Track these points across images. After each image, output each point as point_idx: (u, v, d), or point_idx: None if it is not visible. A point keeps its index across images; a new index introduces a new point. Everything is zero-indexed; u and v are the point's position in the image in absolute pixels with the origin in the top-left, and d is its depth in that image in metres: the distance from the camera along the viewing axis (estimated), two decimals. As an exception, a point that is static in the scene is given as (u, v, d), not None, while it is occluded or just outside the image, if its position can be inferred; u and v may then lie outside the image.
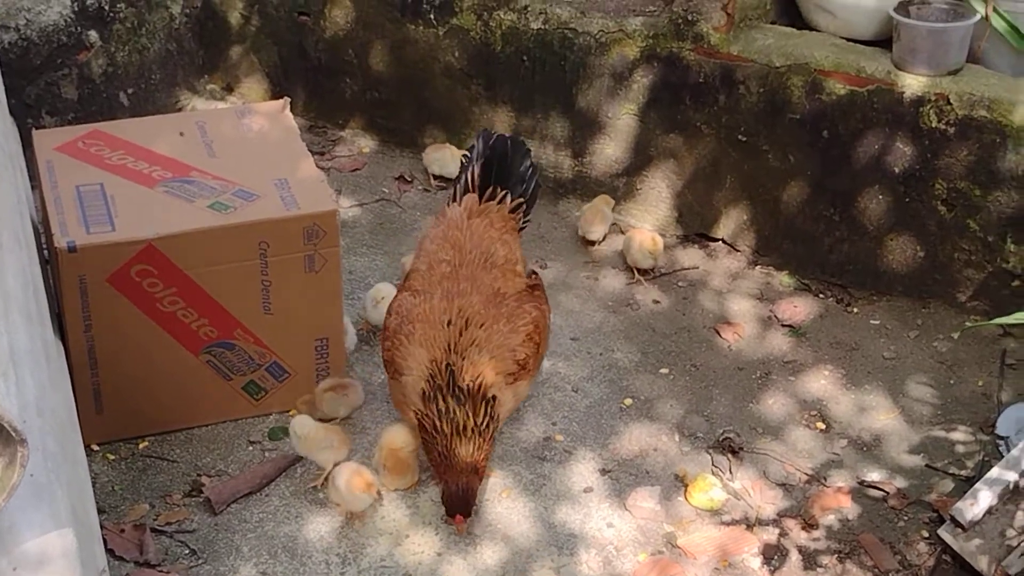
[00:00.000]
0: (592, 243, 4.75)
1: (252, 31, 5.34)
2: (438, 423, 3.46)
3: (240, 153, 4.00)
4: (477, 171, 3.77)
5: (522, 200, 3.82)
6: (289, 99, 4.29)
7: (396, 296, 3.73)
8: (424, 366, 3.50)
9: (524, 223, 3.88)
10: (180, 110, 5.29)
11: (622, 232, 4.83)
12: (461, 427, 3.45)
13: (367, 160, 5.18)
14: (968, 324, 4.28)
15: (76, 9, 4.86)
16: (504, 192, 3.75)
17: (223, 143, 4.03)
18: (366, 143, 5.25)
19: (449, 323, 3.53)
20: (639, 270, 4.58)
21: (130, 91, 5.14)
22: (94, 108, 4.96)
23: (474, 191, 3.78)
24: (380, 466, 3.70)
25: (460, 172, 3.90)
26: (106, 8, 4.98)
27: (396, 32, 5.05)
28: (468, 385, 3.46)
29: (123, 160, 3.93)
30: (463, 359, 3.49)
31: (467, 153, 3.90)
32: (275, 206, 3.76)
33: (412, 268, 3.75)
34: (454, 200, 3.82)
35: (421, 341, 3.52)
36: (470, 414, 3.45)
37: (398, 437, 3.69)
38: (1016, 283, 4.31)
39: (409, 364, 3.53)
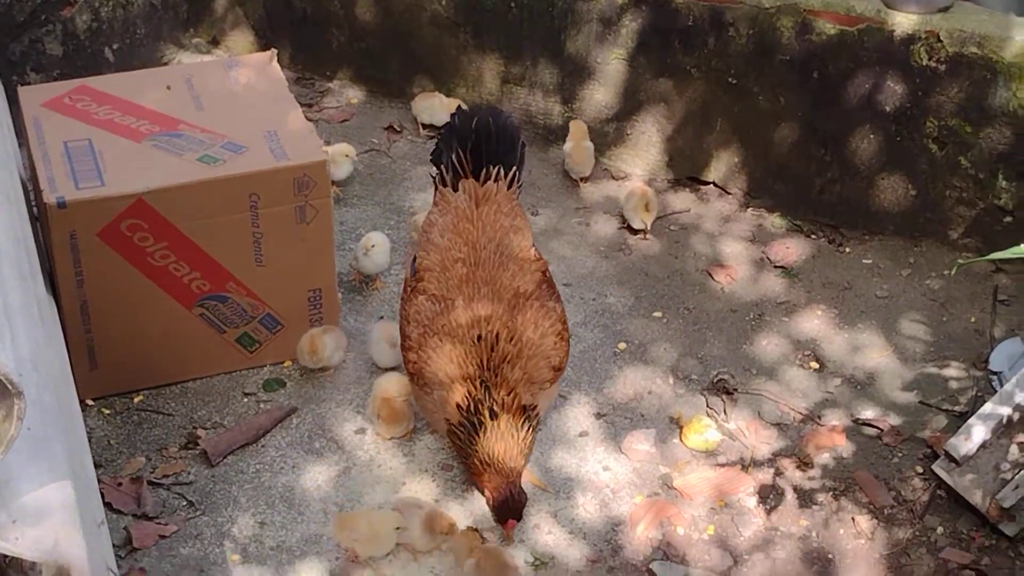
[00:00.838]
0: (585, 179, 4.75)
1: (237, -17, 5.30)
2: (475, 436, 3.36)
3: (228, 106, 3.97)
4: (468, 156, 3.63)
5: (516, 168, 3.71)
6: (276, 51, 4.27)
7: (412, 299, 3.55)
8: (458, 383, 3.38)
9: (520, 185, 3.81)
10: (166, 64, 5.26)
11: (613, 178, 4.82)
12: (501, 435, 3.35)
13: (355, 111, 5.16)
14: (961, 261, 4.29)
15: (59, -36, 4.82)
16: (498, 168, 3.65)
17: (210, 96, 4.01)
18: (354, 94, 5.22)
19: (479, 338, 3.39)
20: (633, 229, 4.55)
21: (115, 46, 5.10)
22: (79, 64, 4.93)
23: (468, 176, 3.64)
24: (374, 415, 3.71)
25: (442, 153, 3.70)
26: (89, -37, 4.94)
27: (382, -19, 5.01)
28: (504, 400, 3.37)
29: (110, 115, 3.90)
30: (496, 375, 3.37)
31: (443, 132, 3.74)
32: (264, 158, 3.74)
33: (423, 265, 3.57)
34: (445, 184, 3.67)
35: (451, 356, 3.39)
36: (510, 422, 3.36)
37: (392, 386, 3.70)
38: (1008, 219, 4.31)
39: (440, 379, 3.41)
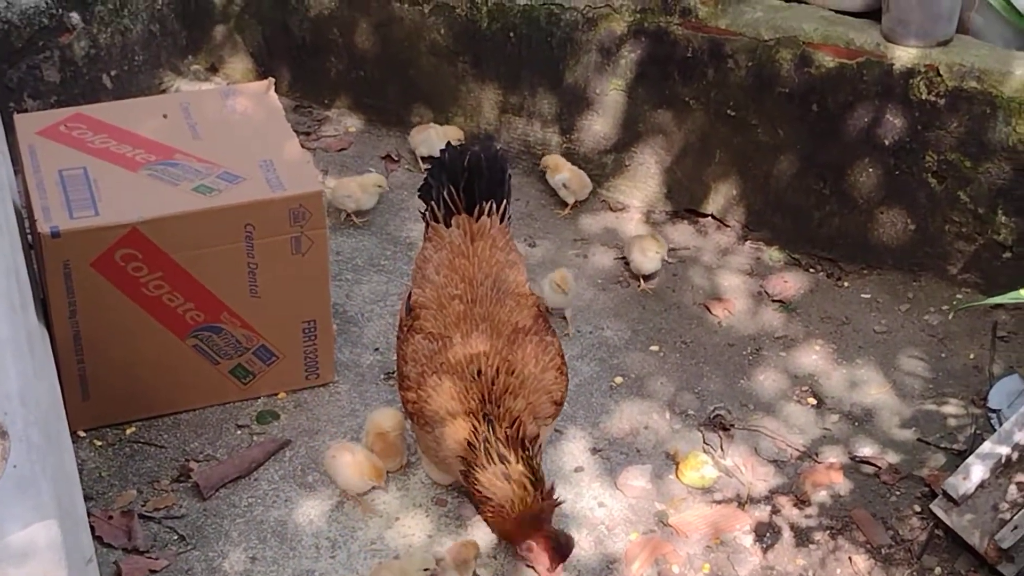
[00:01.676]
0: (580, 204, 4.79)
1: (235, 10, 5.29)
2: (492, 488, 3.27)
3: (225, 135, 3.96)
4: (461, 193, 3.59)
5: (506, 202, 3.67)
6: (274, 79, 4.26)
7: (408, 338, 3.49)
8: (460, 419, 3.32)
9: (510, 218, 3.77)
10: (164, 92, 5.25)
11: (611, 209, 4.80)
12: (517, 482, 3.26)
13: (353, 140, 5.14)
14: (960, 303, 4.27)
15: (57, -9, 4.81)
16: (490, 203, 3.61)
17: (207, 125, 3.99)
18: (352, 123, 5.21)
19: (479, 372, 3.34)
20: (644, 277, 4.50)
21: (113, 73, 5.09)
22: (77, 91, 4.92)
23: (461, 212, 3.60)
24: (368, 449, 3.68)
25: (432, 189, 3.64)
26: (87, -11, 4.93)
27: (381, 10, 5.00)
28: (509, 433, 3.29)
29: (106, 143, 3.89)
30: (500, 407, 3.31)
31: (433, 169, 3.68)
32: (260, 188, 3.72)
33: (418, 302, 3.53)
34: (437, 221, 3.62)
35: (451, 393, 3.33)
36: (520, 460, 3.27)
37: (386, 420, 3.67)
38: (1007, 255, 4.29)
39: (442, 416, 3.34)
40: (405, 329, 3.54)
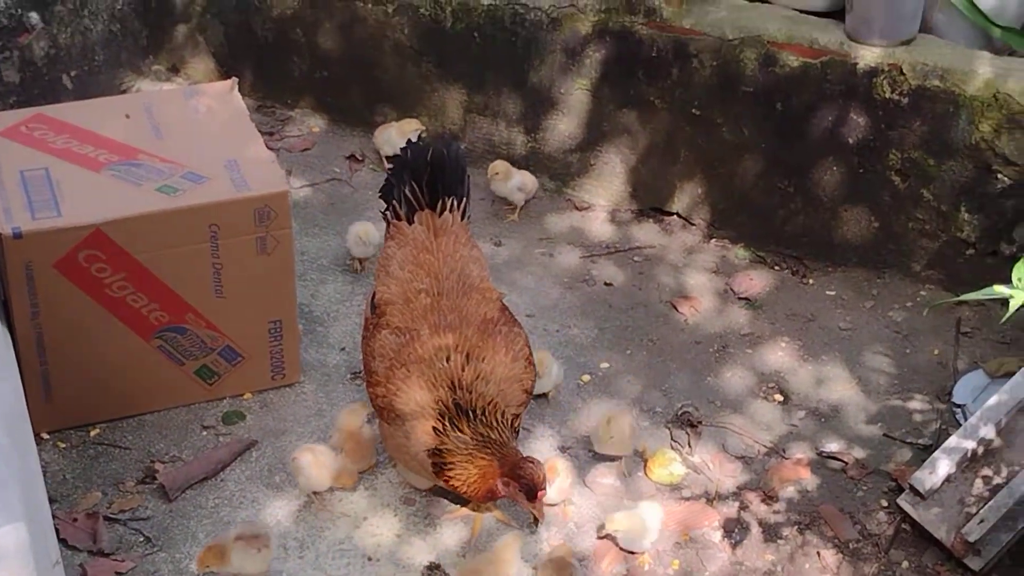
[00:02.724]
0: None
1: (197, 10, 5.25)
2: (460, 447, 3.24)
3: (188, 135, 3.93)
4: (424, 189, 3.59)
5: (466, 199, 3.67)
6: (237, 79, 4.23)
7: (375, 334, 3.47)
8: (430, 407, 3.29)
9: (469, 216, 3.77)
10: (125, 92, 5.20)
11: (576, 208, 4.81)
12: (486, 440, 3.24)
13: (317, 140, 5.12)
14: (924, 300, 4.30)
15: (16, -9, 4.77)
16: (451, 199, 3.61)
17: (170, 125, 3.96)
18: (316, 122, 5.19)
19: (448, 359, 3.33)
20: None
21: (73, 73, 5.05)
22: (37, 91, 4.87)
23: (424, 208, 3.60)
24: (338, 448, 3.66)
25: (393, 188, 3.64)
26: (47, -11, 4.89)
27: (344, 10, 4.98)
28: (484, 408, 3.28)
29: (68, 144, 3.85)
30: (470, 393, 3.29)
31: (394, 167, 3.68)
32: (225, 188, 3.70)
33: (384, 299, 3.51)
34: (399, 219, 3.62)
35: (420, 382, 3.33)
36: (494, 426, 3.26)
37: (356, 419, 3.65)
38: (970, 251, 4.32)
39: (412, 409, 3.31)
40: (371, 327, 3.52)
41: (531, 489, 3.19)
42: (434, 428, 3.27)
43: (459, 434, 3.24)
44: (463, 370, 3.32)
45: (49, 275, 3.54)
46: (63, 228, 3.53)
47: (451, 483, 3.28)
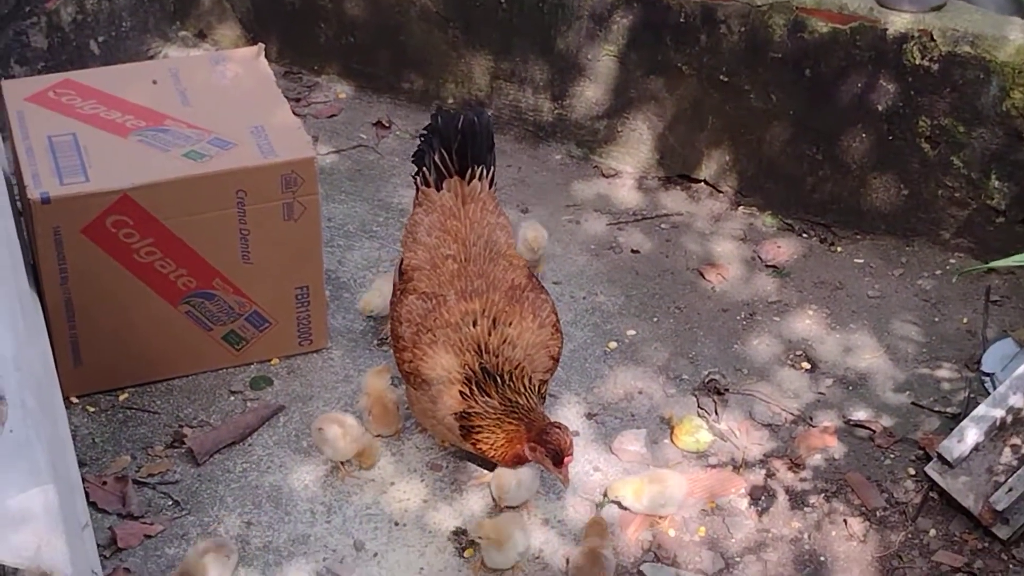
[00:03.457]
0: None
1: (224, -24, 5.25)
2: (488, 411, 3.24)
3: (215, 101, 3.93)
4: (454, 156, 3.58)
5: (493, 168, 3.65)
6: (263, 45, 4.22)
7: (402, 300, 3.46)
8: (456, 371, 3.28)
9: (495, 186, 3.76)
10: (152, 58, 5.21)
11: (603, 175, 4.79)
12: (513, 405, 3.23)
13: (344, 106, 5.11)
14: (953, 268, 4.27)
15: (44, -44, 4.77)
16: (480, 167, 3.59)
17: (197, 91, 3.96)
18: (342, 89, 5.18)
19: (475, 324, 3.32)
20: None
21: (101, 39, 5.05)
22: (64, 57, 4.88)
23: (453, 176, 3.59)
24: (365, 412, 3.67)
25: (424, 155, 3.62)
26: (74, -45, 4.89)
27: (371, -25, 4.97)
28: (511, 372, 3.26)
29: (95, 109, 3.85)
30: (497, 357, 3.27)
31: (425, 133, 3.66)
32: (252, 154, 3.70)
33: (411, 264, 3.51)
34: (428, 185, 3.61)
35: (447, 347, 3.30)
36: (521, 392, 3.24)
37: (382, 381, 3.65)
38: (1000, 219, 4.29)
39: (438, 373, 3.30)
40: (398, 292, 3.52)
41: (557, 455, 3.19)
42: (461, 392, 3.27)
43: (487, 399, 3.24)
44: (490, 335, 3.32)
45: (77, 240, 3.55)
46: (91, 193, 3.54)
47: (479, 447, 3.29)
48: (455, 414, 3.28)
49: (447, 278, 3.44)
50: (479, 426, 3.26)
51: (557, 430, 3.19)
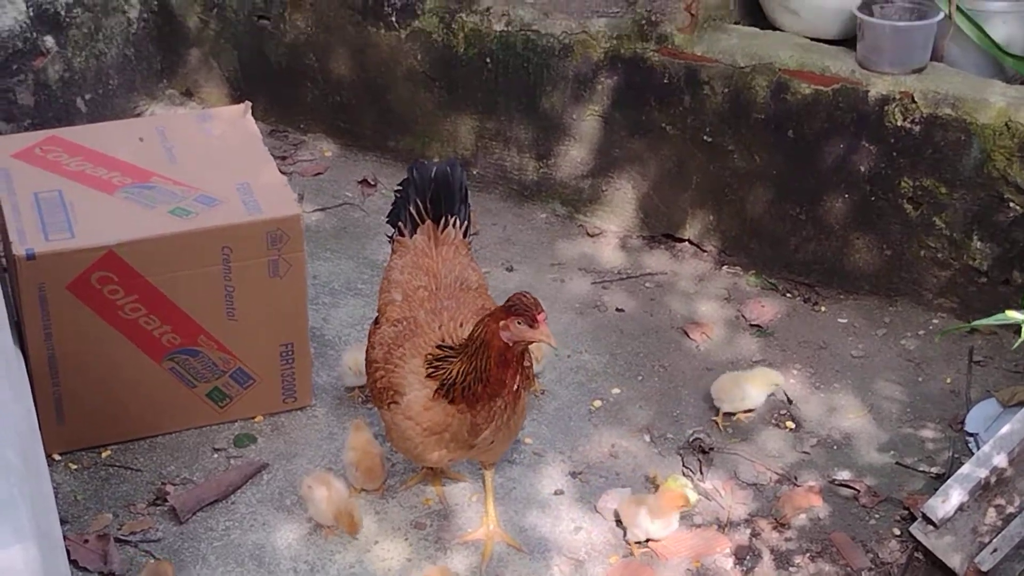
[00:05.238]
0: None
1: (211, 35, 5.28)
2: (454, 361, 3.24)
3: (201, 158, 3.94)
4: (428, 205, 3.64)
5: (468, 222, 3.70)
6: (250, 103, 4.24)
7: (375, 331, 3.53)
8: (422, 368, 3.31)
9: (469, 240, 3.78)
10: (139, 116, 5.23)
11: (588, 235, 4.81)
12: (466, 342, 3.24)
13: (329, 164, 5.14)
14: (937, 328, 4.29)
15: (32, 15, 4.79)
16: (454, 218, 3.66)
17: (184, 148, 3.98)
18: (328, 147, 5.20)
19: (440, 326, 3.39)
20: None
21: (88, 97, 5.07)
22: (51, 114, 4.90)
23: (427, 221, 3.64)
24: (352, 467, 3.65)
25: (400, 207, 3.69)
26: (62, 13, 4.91)
27: (357, 36, 5.01)
28: (474, 335, 3.23)
29: (82, 166, 3.87)
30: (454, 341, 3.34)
31: (401, 187, 3.72)
32: (237, 211, 3.71)
33: (384, 302, 3.57)
34: (402, 235, 3.66)
35: (414, 352, 3.36)
36: (485, 361, 3.20)
37: (363, 433, 3.66)
38: (983, 280, 4.31)
39: (409, 380, 3.33)
40: (372, 330, 3.57)
41: (527, 313, 3.13)
42: (428, 375, 3.29)
43: (449, 359, 3.26)
44: (455, 332, 3.36)
45: (62, 297, 3.55)
46: (76, 250, 3.54)
47: (476, 392, 3.23)
48: (436, 392, 3.27)
49: (417, 303, 3.49)
50: (457, 374, 3.23)
51: (515, 296, 3.17)
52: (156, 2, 5.30)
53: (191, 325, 3.71)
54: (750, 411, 4.02)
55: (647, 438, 3.94)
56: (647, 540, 3.57)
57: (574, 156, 4.81)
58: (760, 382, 4.03)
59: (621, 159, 4.73)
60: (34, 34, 4.80)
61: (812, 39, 4.50)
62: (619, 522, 3.62)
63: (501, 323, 3.17)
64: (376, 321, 3.59)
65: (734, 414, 4.01)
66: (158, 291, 3.64)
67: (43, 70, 4.87)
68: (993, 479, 3.49)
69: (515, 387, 3.27)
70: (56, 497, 3.48)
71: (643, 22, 4.52)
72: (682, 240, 4.75)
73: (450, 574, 3.40)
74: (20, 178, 3.79)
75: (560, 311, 4.44)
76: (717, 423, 3.98)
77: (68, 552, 3.34)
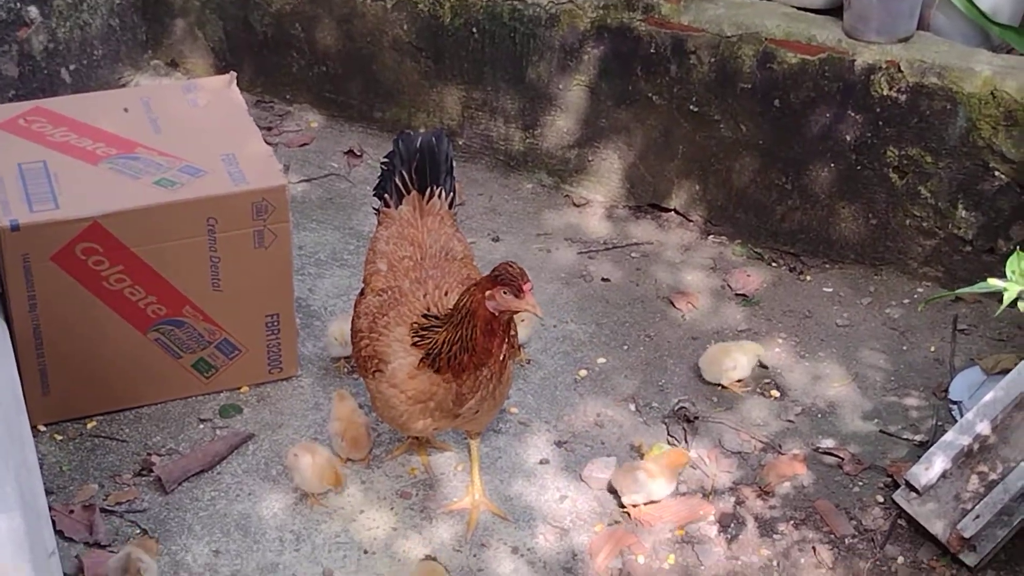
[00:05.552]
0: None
1: (196, 5, 5.25)
2: (439, 331, 3.25)
3: (186, 129, 3.93)
4: (413, 175, 3.65)
5: (453, 193, 3.72)
6: (235, 74, 4.22)
7: (360, 300, 3.55)
8: (407, 337, 3.33)
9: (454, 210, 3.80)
10: (124, 86, 5.21)
11: (574, 205, 4.81)
12: (453, 308, 3.25)
13: (315, 135, 5.12)
14: (921, 297, 4.31)
15: (15, -16, 4.77)
16: (440, 189, 3.67)
17: (169, 119, 3.97)
18: (314, 118, 5.19)
19: (425, 295, 3.41)
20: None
21: (72, 67, 5.05)
22: (35, 85, 4.87)
23: (412, 192, 3.65)
24: (338, 437, 3.66)
25: (386, 179, 3.70)
26: (46, -17, 4.89)
27: (343, 5, 4.99)
28: (460, 304, 3.24)
29: (66, 137, 3.85)
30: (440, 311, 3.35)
31: (387, 159, 3.73)
32: (223, 182, 3.70)
33: (369, 272, 3.58)
34: (388, 207, 3.67)
35: (399, 321, 3.37)
36: (471, 330, 3.20)
37: (348, 402, 3.67)
38: (967, 248, 4.32)
39: (394, 349, 3.35)
40: (357, 300, 3.58)
41: (513, 283, 3.14)
42: (413, 343, 3.30)
43: (434, 329, 3.27)
44: (440, 301, 3.37)
45: (47, 268, 3.54)
46: (61, 221, 3.53)
47: (461, 361, 3.23)
48: (422, 361, 3.27)
49: (403, 272, 3.50)
50: (443, 344, 3.24)
51: (501, 266, 3.17)
52: (140, -28, 5.28)
53: (176, 296, 3.71)
54: (740, 381, 4.03)
55: (632, 407, 3.95)
56: (647, 503, 3.58)
57: (560, 126, 4.80)
58: (749, 352, 4.05)
59: (607, 129, 4.73)
60: (18, 4, 4.78)
61: (799, 8, 4.49)
62: (611, 491, 3.63)
63: (487, 293, 3.17)
64: (362, 292, 3.60)
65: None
66: (143, 262, 3.63)
67: (27, 41, 4.85)
68: (976, 446, 3.51)
69: (501, 357, 3.27)
70: (41, 468, 3.49)
71: (629, -9, 4.51)
72: (668, 210, 4.76)
73: (439, 570, 3.40)
74: (4, 149, 3.77)
75: (546, 281, 4.44)
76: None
77: (54, 522, 3.34)
